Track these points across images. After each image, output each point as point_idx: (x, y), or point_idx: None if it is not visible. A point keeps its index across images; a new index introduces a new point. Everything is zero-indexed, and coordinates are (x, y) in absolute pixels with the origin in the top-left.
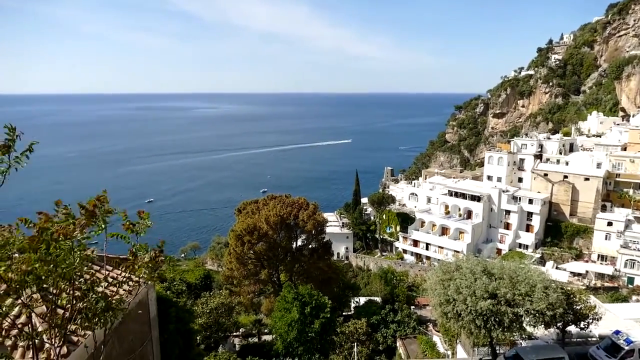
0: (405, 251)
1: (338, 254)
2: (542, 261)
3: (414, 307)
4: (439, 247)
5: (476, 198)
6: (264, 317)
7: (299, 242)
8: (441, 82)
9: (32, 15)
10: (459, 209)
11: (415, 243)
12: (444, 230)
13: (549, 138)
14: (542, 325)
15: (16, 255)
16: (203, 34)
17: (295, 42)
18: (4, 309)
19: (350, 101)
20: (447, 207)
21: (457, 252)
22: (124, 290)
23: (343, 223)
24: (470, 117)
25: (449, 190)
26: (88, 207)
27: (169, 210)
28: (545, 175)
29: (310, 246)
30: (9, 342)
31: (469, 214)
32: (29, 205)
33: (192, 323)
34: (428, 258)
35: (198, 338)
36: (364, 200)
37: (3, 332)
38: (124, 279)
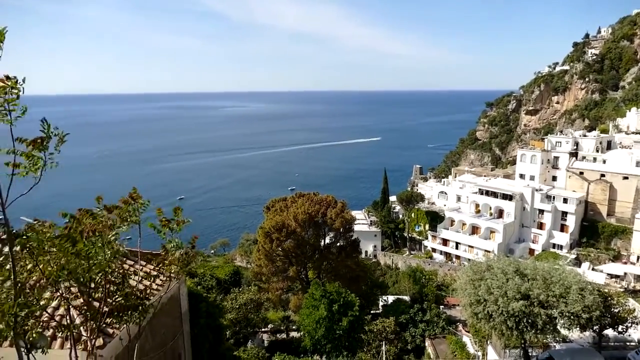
0: (434, 250)
1: (366, 252)
2: (577, 262)
3: (443, 306)
4: (469, 246)
5: (508, 197)
6: (292, 314)
7: (327, 240)
8: (471, 79)
9: (63, 17)
10: (490, 208)
11: (445, 242)
12: (474, 229)
13: (585, 135)
14: (578, 328)
15: (53, 249)
16: (232, 34)
17: (323, 41)
18: (43, 301)
19: (378, 99)
20: (477, 205)
21: (488, 251)
22: (156, 284)
23: (371, 221)
24: (502, 114)
25: (479, 189)
26: (119, 204)
27: (200, 207)
28: (581, 173)
29: (338, 244)
30: (48, 333)
31: (500, 213)
32: (64, 202)
33: (221, 318)
34: (458, 257)
35: (227, 333)
36: (393, 198)
37: (43, 324)
38: (157, 274)
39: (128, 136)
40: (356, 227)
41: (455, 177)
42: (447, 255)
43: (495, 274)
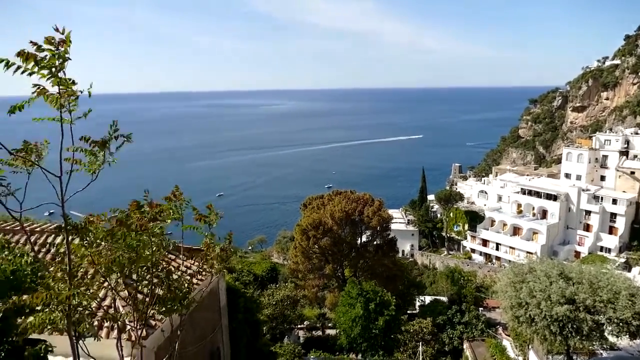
0: (473, 250)
1: (403, 251)
2: (627, 266)
3: (482, 308)
4: (510, 247)
5: (552, 197)
6: (328, 312)
7: (364, 238)
8: (512, 75)
9: (109, 20)
10: (533, 208)
11: (485, 242)
12: (515, 230)
13: (637, 133)
14: (627, 336)
15: (103, 243)
16: (273, 33)
17: (358, 38)
18: (92, 292)
19: (413, 96)
20: (519, 205)
21: (530, 253)
22: (197, 279)
23: (408, 220)
24: (546, 111)
25: (522, 188)
26: (162, 202)
27: (238, 204)
28: (632, 173)
29: (375, 242)
30: (95, 322)
31: (543, 214)
32: (112, 198)
33: (258, 313)
34: (498, 259)
35: (264, 328)
36: (431, 197)
37: (92, 313)
38: (198, 269)
39: (172, 134)
40: (393, 226)
41: (497, 176)
42: (487, 257)
43: (538, 277)
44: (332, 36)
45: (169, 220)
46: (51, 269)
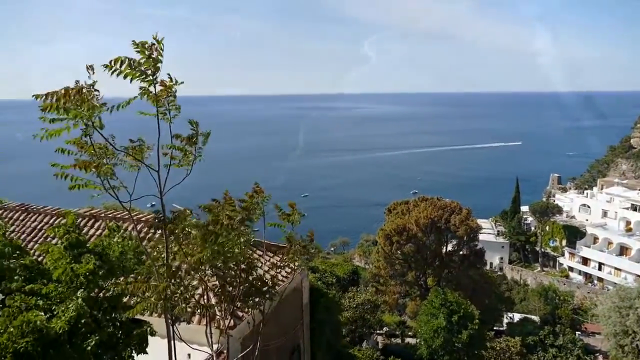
0: (571, 269)
1: (491, 263)
2: None
3: (579, 332)
4: (616, 268)
5: None
6: (408, 319)
7: (449, 247)
8: (627, 79)
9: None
10: None
11: (585, 261)
12: (623, 250)
13: None
14: None
15: (196, 238)
16: (364, 36)
17: (456, 40)
18: (186, 282)
19: (511, 101)
20: (628, 223)
21: None
22: (281, 275)
23: (498, 231)
24: None
25: (632, 204)
26: (247, 200)
27: (323, 204)
28: None
29: (461, 252)
30: (189, 310)
31: None
32: (203, 193)
33: (339, 315)
34: (600, 280)
35: (344, 330)
36: (524, 208)
37: (186, 301)
38: (282, 265)
39: (262, 134)
40: (481, 237)
41: (602, 189)
42: (587, 276)
43: None
44: (420, 38)
45: (254, 219)
46: (150, 258)
